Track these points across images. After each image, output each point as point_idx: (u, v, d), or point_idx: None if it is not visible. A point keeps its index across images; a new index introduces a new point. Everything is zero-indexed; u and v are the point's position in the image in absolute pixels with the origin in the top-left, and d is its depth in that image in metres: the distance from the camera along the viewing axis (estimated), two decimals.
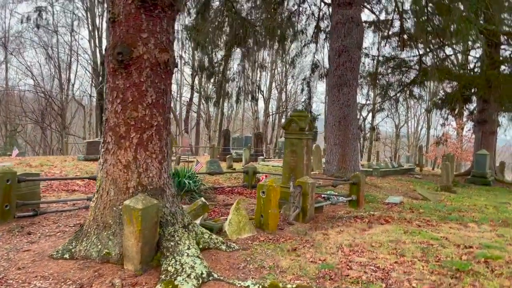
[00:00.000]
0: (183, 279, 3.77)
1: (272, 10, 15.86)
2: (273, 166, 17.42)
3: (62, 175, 10.99)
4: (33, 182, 6.58)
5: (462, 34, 12.99)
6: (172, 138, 35.47)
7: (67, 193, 8.33)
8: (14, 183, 5.88)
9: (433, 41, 19.80)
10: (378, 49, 21.46)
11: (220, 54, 15.35)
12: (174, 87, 38.38)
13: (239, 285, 3.90)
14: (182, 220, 4.64)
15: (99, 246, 4.30)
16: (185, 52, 29.11)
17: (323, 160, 14.44)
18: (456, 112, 25.56)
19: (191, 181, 8.29)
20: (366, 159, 38.89)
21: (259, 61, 17.50)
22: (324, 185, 10.20)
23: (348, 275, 4.41)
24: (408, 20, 19.61)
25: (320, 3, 17.47)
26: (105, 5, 29.07)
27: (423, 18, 18.01)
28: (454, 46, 19.16)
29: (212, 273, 4.08)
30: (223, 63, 14.90)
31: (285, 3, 16.50)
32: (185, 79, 39.38)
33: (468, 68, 23.21)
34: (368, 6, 17.74)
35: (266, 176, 11.56)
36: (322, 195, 10.16)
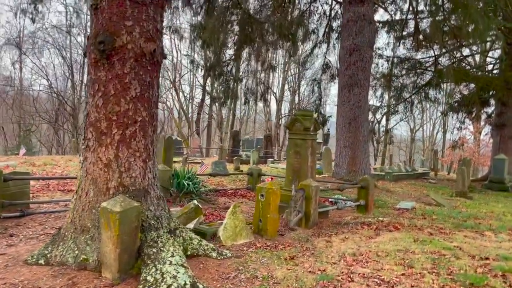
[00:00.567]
0: None
1: (282, 9, 15.48)
2: (282, 168, 16.99)
3: (63, 175, 10.74)
4: (22, 181, 6.29)
5: (480, 33, 12.42)
6: (184, 139, 35.33)
7: (63, 193, 8.05)
8: (0, 182, 5.60)
9: (449, 41, 19.22)
10: (392, 50, 20.88)
11: (228, 54, 15.02)
12: (186, 89, 38.28)
13: None
14: (168, 225, 4.27)
15: (76, 252, 3.95)
16: (197, 52, 28.91)
17: (334, 163, 13.96)
18: (473, 115, 24.79)
19: (190, 183, 7.93)
20: (380, 163, 38.18)
21: (269, 61, 17.07)
22: (332, 189, 9.76)
23: None
24: (424, 20, 19.08)
25: (332, 2, 17.03)
26: None
27: (439, 17, 17.45)
28: (472, 46, 18.50)
29: (197, 283, 3.70)
30: (231, 62, 14.55)
31: (296, 1, 16.10)
32: (197, 80, 39.24)
33: (486, 69, 22.47)
34: (382, 5, 17.22)
35: (272, 178, 11.16)
36: (330, 199, 9.72)
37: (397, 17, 19.59)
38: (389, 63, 22.27)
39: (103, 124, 4.05)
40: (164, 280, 3.53)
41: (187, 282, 3.59)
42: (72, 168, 12.25)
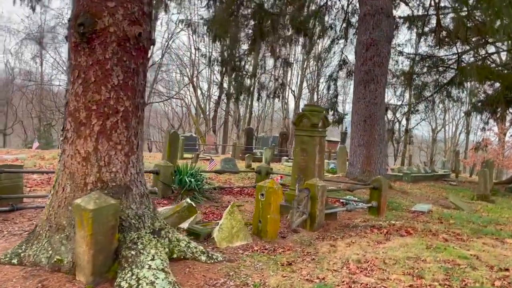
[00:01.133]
0: None
1: (299, 3, 15.01)
2: None
3: None
4: (16, 174, 6.06)
5: (507, 29, 11.74)
6: (201, 135, 35.16)
7: None
8: None
9: (473, 38, 18.42)
10: (413, 46, 20.17)
11: (243, 49, 14.66)
12: (204, 86, 38.05)
13: None
14: (152, 225, 3.93)
15: (50, 252, 3.65)
16: (214, 49, 28.65)
17: (348, 162, 13.46)
18: (498, 115, 23.79)
19: (192, 180, 7.60)
20: (399, 163, 37.27)
21: (283, 56, 16.64)
22: (344, 189, 9.30)
23: None
24: (446, 16, 18.34)
25: None
26: None
27: (463, 12, 16.71)
28: (497, 43, 17.68)
29: None
30: (244, 57, 14.18)
31: None
32: (216, 77, 38.99)
33: None
34: None
35: (281, 177, 10.76)
36: (341, 200, 9.27)
37: (419, 12, 18.88)
38: (410, 60, 21.56)
39: (82, 114, 3.74)
40: (140, 286, 3.19)
41: None
42: None
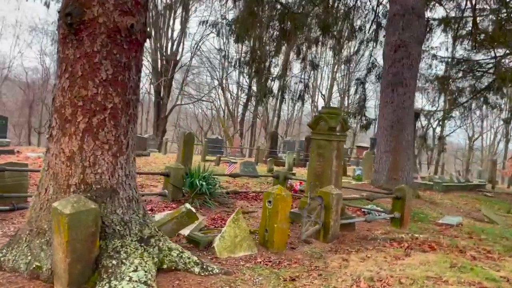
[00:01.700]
0: None
1: (327, 3, 14.55)
2: None
3: None
4: (20, 173, 5.93)
5: None
6: (229, 138, 35.04)
7: None
8: None
9: None
10: (447, 50, 19.29)
11: (267, 50, 14.31)
12: (233, 88, 37.89)
13: None
14: (140, 232, 3.63)
15: (29, 257, 3.40)
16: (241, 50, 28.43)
17: (373, 169, 12.85)
18: None
19: (204, 183, 7.30)
20: (433, 172, 35.93)
21: (310, 58, 16.20)
22: (364, 198, 8.78)
23: None
24: (484, 18, 17.43)
25: None
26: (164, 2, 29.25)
27: (502, 15, 15.82)
28: None
29: None
30: (269, 59, 13.84)
31: None
32: (245, 80, 38.82)
33: None
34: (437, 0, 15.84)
35: (301, 183, 10.31)
36: (362, 209, 8.77)
37: (454, 14, 18.03)
38: (444, 64, 20.66)
39: (68, 110, 3.49)
40: None
41: None
42: None
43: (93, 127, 3.47)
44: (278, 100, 25.87)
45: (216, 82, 37.21)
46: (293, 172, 14.05)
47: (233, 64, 15.26)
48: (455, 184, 16.85)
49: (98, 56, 3.47)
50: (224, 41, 29.08)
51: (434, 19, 17.87)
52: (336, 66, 35.85)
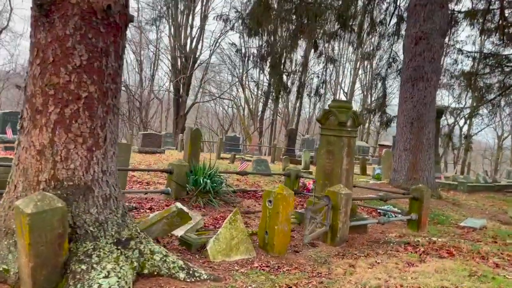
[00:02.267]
0: None
1: None
2: None
3: None
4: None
5: None
6: (248, 136, 34.73)
7: None
8: None
9: None
10: (474, 44, 18.43)
11: (283, 44, 13.89)
12: (254, 86, 37.49)
13: None
14: (117, 233, 3.31)
15: None
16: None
17: (392, 168, 12.27)
18: None
19: (208, 181, 6.97)
20: (459, 171, 34.74)
21: (327, 53, 15.67)
22: (377, 199, 8.29)
23: None
24: None
25: None
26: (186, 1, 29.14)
27: None
28: None
29: None
30: (284, 54, 13.42)
31: None
32: (266, 77, 38.38)
33: None
34: None
35: (314, 181, 9.88)
36: (378, 210, 8.30)
37: (482, 6, 17.17)
38: (471, 59, 19.79)
39: (39, 100, 3.20)
40: None
41: None
42: None
43: (66, 118, 3.18)
44: (296, 97, 25.31)
45: (236, 80, 36.94)
46: (309, 170, 13.61)
47: (246, 59, 14.80)
48: (481, 185, 16.03)
49: (71, 40, 3.17)
50: (240, 36, 28.71)
51: (459, 12, 17.07)
52: (358, 63, 35.04)
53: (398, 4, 15.06)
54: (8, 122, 14.52)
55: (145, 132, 17.16)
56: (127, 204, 6.07)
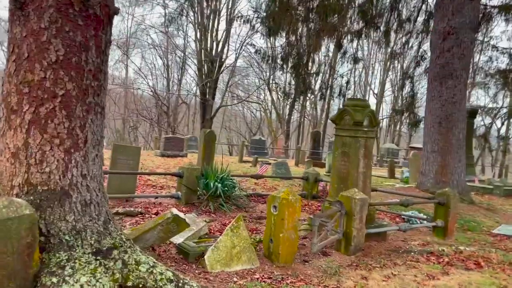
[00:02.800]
0: None
1: None
2: None
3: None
4: None
5: None
6: (275, 138, 34.41)
7: None
8: None
9: None
10: (511, 40, 17.45)
11: (304, 44, 13.48)
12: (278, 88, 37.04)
13: None
14: (97, 242, 3.05)
15: None
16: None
17: (420, 171, 11.63)
18: None
19: (219, 185, 6.70)
20: (497, 175, 33.15)
21: (355, 52, 15.13)
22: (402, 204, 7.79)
23: None
24: None
25: None
26: (212, 5, 29.17)
27: None
28: None
29: None
30: (306, 54, 13.02)
31: None
32: (292, 78, 37.92)
33: None
34: None
35: None
36: (402, 216, 7.80)
37: None
38: (507, 56, 18.74)
39: (14, 98, 3.00)
40: None
41: None
42: None
43: (41, 118, 2.96)
44: (320, 98, 24.77)
45: (262, 83, 36.66)
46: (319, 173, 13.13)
47: (267, 60, 14.49)
48: None
49: (47, 34, 2.95)
50: (263, 38, 28.42)
51: (493, 7, 16.19)
52: (388, 63, 34.10)
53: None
54: None
55: (168, 136, 17.11)
56: (132, 209, 5.88)
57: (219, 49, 29.34)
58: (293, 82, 31.96)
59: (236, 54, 30.08)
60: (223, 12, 29.67)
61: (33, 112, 2.95)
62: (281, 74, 31.15)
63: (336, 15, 13.04)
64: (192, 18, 29.77)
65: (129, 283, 3.08)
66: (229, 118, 47.17)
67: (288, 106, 35.46)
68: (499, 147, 32.15)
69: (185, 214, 5.81)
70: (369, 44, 32.83)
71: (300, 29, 12.45)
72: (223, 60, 29.67)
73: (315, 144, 18.63)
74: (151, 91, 32.58)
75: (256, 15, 12.98)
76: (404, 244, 5.82)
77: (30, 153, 2.95)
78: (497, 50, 18.33)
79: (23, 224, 2.63)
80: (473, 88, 27.70)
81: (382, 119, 38.19)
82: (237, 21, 17.27)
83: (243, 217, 6.44)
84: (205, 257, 3.99)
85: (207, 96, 28.76)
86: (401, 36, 17.77)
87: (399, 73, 35.20)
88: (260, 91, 38.74)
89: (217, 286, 3.60)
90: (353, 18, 13.99)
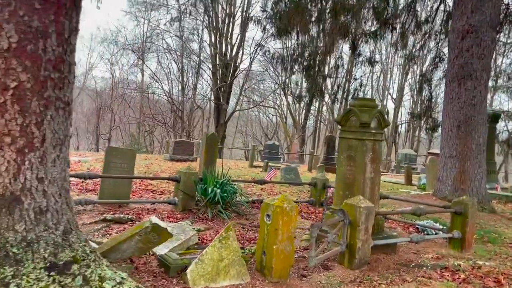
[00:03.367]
0: None
1: None
2: (383, 181, 14.42)
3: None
4: None
5: None
6: (290, 142, 33.90)
7: (80, 193, 7.06)
8: None
9: None
10: None
11: (316, 45, 13.06)
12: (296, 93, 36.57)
13: None
14: (53, 255, 2.68)
15: None
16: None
17: (437, 178, 11.02)
18: None
19: (218, 190, 6.30)
20: None
21: (373, 55, 14.61)
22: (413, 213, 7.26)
23: None
24: None
25: None
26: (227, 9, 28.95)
27: None
28: None
29: None
30: (318, 55, 12.58)
31: None
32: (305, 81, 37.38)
33: None
34: None
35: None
36: (416, 225, 7.27)
37: None
38: None
39: None
40: None
41: None
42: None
43: None
44: (332, 101, 24.22)
45: (277, 87, 36.27)
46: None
47: (276, 61, 14.07)
48: None
49: None
50: (275, 40, 27.98)
51: None
52: (406, 66, 33.30)
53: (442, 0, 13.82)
54: None
55: (177, 140, 16.83)
56: (122, 215, 5.52)
57: (233, 53, 29.11)
58: (306, 85, 31.57)
59: (250, 58, 29.75)
60: (238, 15, 29.43)
61: None
62: (296, 78, 30.68)
63: (348, 14, 12.60)
64: (207, 22, 29.63)
65: None
66: (245, 123, 46.91)
67: (303, 111, 34.95)
68: None
69: (177, 222, 5.43)
70: (387, 47, 32.15)
71: (311, 29, 12.01)
72: (237, 64, 29.42)
73: (329, 149, 18.11)
74: (166, 95, 32.50)
75: (264, 15, 12.60)
76: (416, 258, 5.31)
77: None
78: None
79: None
80: (495, 91, 26.81)
81: (401, 124, 37.32)
82: (250, 22, 16.85)
83: (242, 225, 6.04)
84: (187, 271, 3.58)
85: (221, 101, 28.52)
86: (418, 37, 17.19)
87: (417, 77, 34.38)
88: (276, 96, 38.36)
89: None
90: (367, 18, 13.52)
